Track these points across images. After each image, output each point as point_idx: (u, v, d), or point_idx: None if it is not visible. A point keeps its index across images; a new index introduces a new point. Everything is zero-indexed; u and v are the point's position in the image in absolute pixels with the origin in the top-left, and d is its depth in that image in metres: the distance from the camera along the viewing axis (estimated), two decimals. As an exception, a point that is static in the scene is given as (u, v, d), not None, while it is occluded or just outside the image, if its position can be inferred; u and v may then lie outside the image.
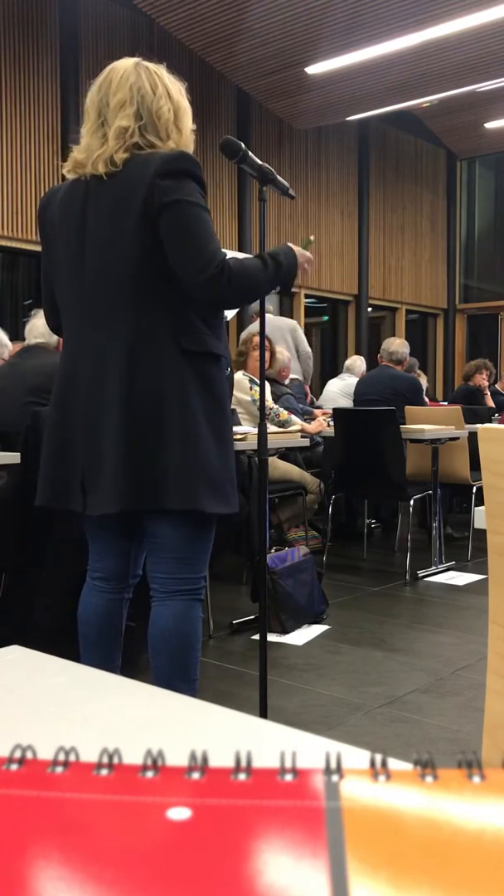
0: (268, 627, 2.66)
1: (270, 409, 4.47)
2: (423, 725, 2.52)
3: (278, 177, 2.20)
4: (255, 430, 2.41)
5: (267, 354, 4.59)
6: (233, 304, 1.94)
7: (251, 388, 4.36)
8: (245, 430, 3.53)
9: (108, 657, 2.02)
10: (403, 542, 5.20)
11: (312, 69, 8.28)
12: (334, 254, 10.27)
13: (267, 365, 4.71)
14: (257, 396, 4.26)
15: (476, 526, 1.17)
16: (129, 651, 2.14)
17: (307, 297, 10.13)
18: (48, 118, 7.23)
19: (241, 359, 4.53)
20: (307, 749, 0.42)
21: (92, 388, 1.85)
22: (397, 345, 5.36)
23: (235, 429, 2.10)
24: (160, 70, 1.91)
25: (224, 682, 2.89)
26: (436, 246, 12.06)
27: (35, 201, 7.08)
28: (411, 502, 4.82)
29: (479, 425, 1.18)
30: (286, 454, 4.71)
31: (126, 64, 1.89)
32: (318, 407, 6.35)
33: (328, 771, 0.33)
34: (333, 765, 0.34)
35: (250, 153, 2.16)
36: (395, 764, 0.35)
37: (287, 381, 5.27)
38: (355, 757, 0.40)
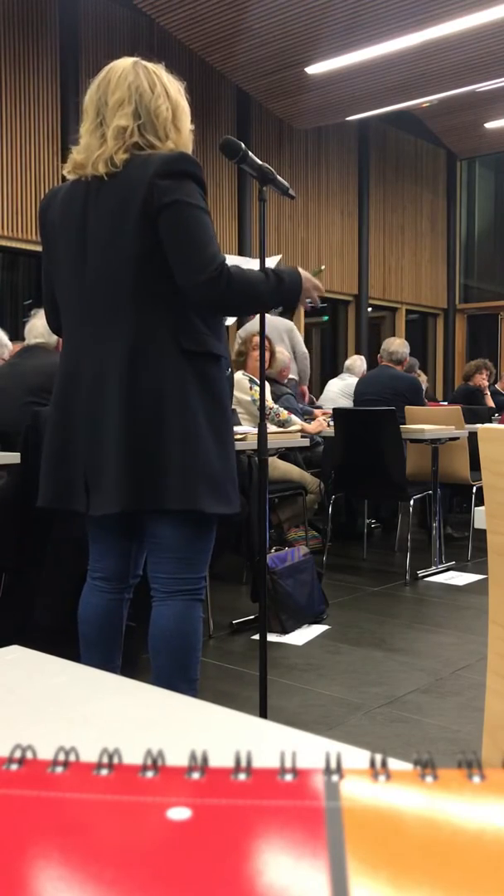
0: (268, 627, 2.66)
1: (270, 408, 4.47)
2: (423, 725, 2.52)
3: (278, 177, 2.20)
4: (255, 430, 2.41)
5: (267, 354, 4.59)
6: (230, 310, 1.91)
7: (251, 388, 4.36)
8: (245, 430, 3.53)
9: (109, 657, 2.02)
10: (403, 542, 5.20)
11: (312, 69, 8.28)
12: (334, 254, 10.27)
13: (267, 365, 4.71)
14: (257, 396, 4.26)
15: (476, 526, 1.17)
16: (129, 651, 2.14)
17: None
18: (48, 118, 7.23)
19: (240, 359, 4.53)
20: (307, 749, 0.42)
21: (92, 388, 1.85)
22: (397, 345, 5.36)
23: (235, 429, 2.10)
24: (159, 69, 1.91)
25: (224, 682, 2.89)
26: (436, 246, 12.06)
27: (35, 201, 7.08)
28: (411, 502, 4.82)
29: (479, 425, 1.18)
30: (286, 454, 4.71)
31: (125, 63, 1.89)
32: (318, 407, 6.35)
33: (328, 771, 0.33)
34: (333, 765, 0.34)
35: (250, 153, 2.16)
36: (395, 764, 0.35)
37: (285, 382, 5.27)
38: (355, 757, 0.40)
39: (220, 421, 1.88)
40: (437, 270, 12.11)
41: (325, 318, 10.75)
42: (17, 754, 0.35)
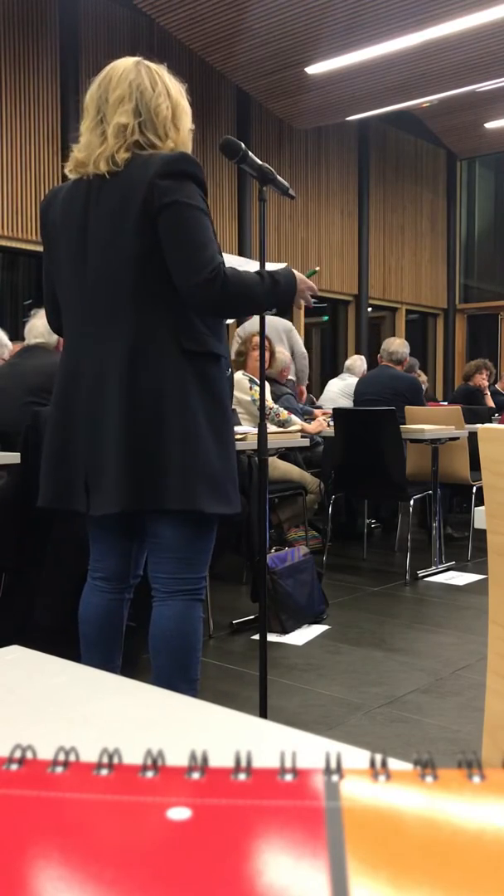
0: (268, 627, 2.66)
1: (270, 408, 4.47)
2: (423, 725, 2.52)
3: (278, 177, 2.20)
4: (255, 430, 2.41)
5: (267, 354, 4.59)
6: (225, 311, 1.91)
7: (251, 388, 4.36)
8: (245, 430, 3.53)
9: (109, 657, 2.02)
10: (403, 542, 5.20)
11: (312, 69, 8.28)
12: (334, 254, 10.27)
13: (267, 365, 4.71)
14: (257, 396, 4.26)
15: (476, 526, 1.17)
16: (129, 651, 2.14)
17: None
18: (48, 118, 7.23)
19: (240, 359, 4.53)
20: (307, 749, 0.42)
21: (93, 387, 1.85)
22: (397, 345, 5.36)
23: (235, 429, 2.10)
24: (161, 69, 1.91)
25: (224, 682, 2.89)
26: (436, 246, 12.06)
27: (35, 201, 7.08)
28: (411, 502, 4.82)
29: (479, 425, 1.18)
30: (286, 454, 4.71)
31: (126, 62, 1.89)
32: (318, 407, 6.35)
33: (328, 771, 0.33)
34: (333, 765, 0.34)
35: (250, 153, 2.16)
36: (395, 764, 0.35)
37: (285, 382, 5.27)
38: (355, 757, 0.40)
39: (221, 421, 1.88)
40: (437, 270, 12.11)
41: (325, 318, 10.75)
42: (17, 754, 0.35)
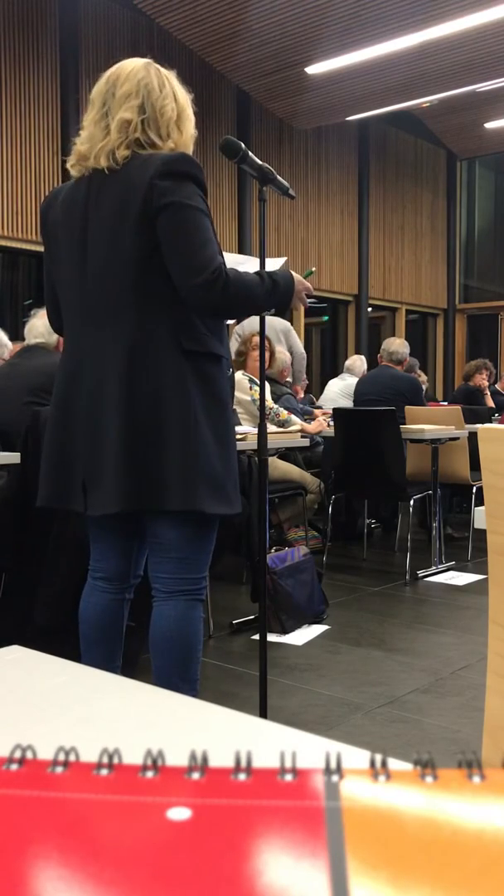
0: (268, 627, 2.66)
1: (270, 408, 4.47)
2: (423, 725, 2.52)
3: (278, 177, 2.20)
4: (255, 430, 2.41)
5: (267, 354, 4.59)
6: (225, 313, 1.91)
7: (251, 388, 4.36)
8: (245, 430, 3.53)
9: (109, 657, 2.02)
10: (403, 542, 5.20)
11: (312, 69, 8.28)
12: (334, 254, 10.27)
13: (267, 365, 4.72)
14: (257, 396, 4.26)
15: (476, 526, 1.17)
16: (129, 651, 2.14)
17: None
18: (48, 118, 7.23)
19: (240, 359, 4.53)
20: (307, 749, 0.42)
21: (93, 387, 1.85)
22: (397, 345, 5.36)
23: (236, 429, 2.10)
24: (170, 75, 1.93)
25: (224, 682, 2.89)
26: (436, 246, 12.06)
27: (35, 201, 7.08)
28: (411, 502, 4.82)
29: (479, 425, 1.18)
30: (286, 454, 4.71)
31: (136, 61, 1.91)
32: (318, 407, 6.35)
33: (328, 771, 0.33)
34: (333, 765, 0.34)
35: (250, 153, 2.16)
36: (395, 764, 0.35)
37: (285, 381, 5.26)
38: (355, 757, 0.40)
39: (221, 421, 1.88)
40: (437, 270, 12.11)
41: (326, 318, 10.75)
42: (17, 754, 0.35)
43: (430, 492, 4.63)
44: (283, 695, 2.76)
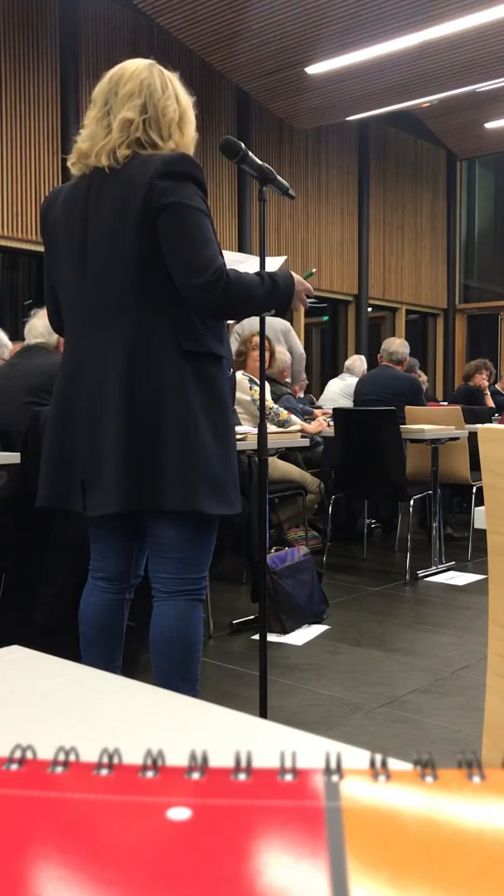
0: (268, 627, 2.66)
1: (270, 408, 4.47)
2: (423, 725, 2.52)
3: (278, 177, 2.20)
4: (255, 430, 2.41)
5: (267, 354, 4.59)
6: (226, 313, 1.90)
7: (251, 388, 4.36)
8: (245, 430, 3.53)
9: (109, 657, 2.02)
10: (403, 542, 5.20)
11: (312, 69, 8.28)
12: (334, 254, 10.27)
13: (267, 365, 4.72)
14: (257, 396, 4.26)
15: (476, 526, 1.17)
16: (129, 651, 2.14)
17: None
18: (48, 118, 7.23)
19: (240, 359, 4.53)
20: (307, 749, 0.42)
21: (93, 387, 1.85)
22: (397, 345, 5.36)
23: (236, 429, 2.10)
24: (173, 77, 1.93)
25: (224, 682, 2.89)
26: (436, 246, 12.06)
27: (35, 201, 7.08)
28: (411, 502, 4.82)
29: (479, 425, 1.18)
30: (286, 454, 4.71)
31: (140, 62, 1.91)
32: (318, 407, 6.35)
33: (328, 771, 0.33)
34: (333, 765, 0.34)
35: (250, 153, 2.16)
36: (395, 764, 0.35)
37: (285, 381, 5.26)
38: (355, 757, 0.40)
39: (221, 421, 1.88)
40: (437, 270, 12.11)
41: (325, 318, 10.75)
42: (17, 754, 0.35)
43: (430, 492, 4.63)
44: (283, 695, 2.76)
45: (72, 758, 0.35)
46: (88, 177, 1.87)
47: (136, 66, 1.89)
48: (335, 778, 0.33)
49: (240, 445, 3.14)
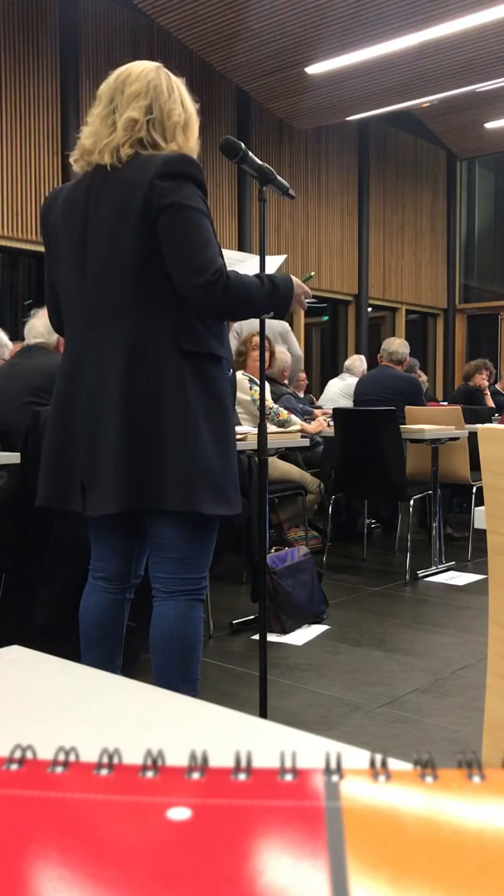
0: (268, 627, 2.66)
1: (270, 408, 4.47)
2: (423, 725, 2.52)
3: (278, 177, 2.20)
4: (255, 430, 2.41)
5: (267, 354, 4.59)
6: (226, 314, 1.90)
7: (251, 388, 4.36)
8: (245, 430, 3.53)
9: (109, 657, 2.02)
10: (403, 542, 5.20)
11: (312, 69, 8.28)
12: (334, 254, 10.27)
13: (267, 365, 4.72)
14: (257, 396, 4.26)
15: (476, 526, 1.17)
16: (129, 651, 2.14)
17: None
18: (48, 118, 7.23)
19: (240, 359, 4.53)
20: (307, 749, 0.42)
21: (93, 387, 1.85)
22: (397, 345, 5.36)
23: (236, 429, 2.10)
24: (180, 83, 1.94)
25: (224, 682, 2.89)
26: (436, 246, 12.06)
27: (35, 201, 7.08)
28: (411, 502, 4.82)
29: (479, 425, 1.18)
30: (286, 454, 4.71)
31: (148, 63, 1.92)
32: (318, 407, 6.35)
33: (328, 771, 0.33)
34: (333, 765, 0.34)
35: (250, 153, 2.16)
36: (395, 764, 0.35)
37: (285, 382, 5.26)
38: (355, 757, 0.40)
39: (221, 421, 1.88)
40: (437, 270, 12.11)
41: (325, 318, 10.75)
42: (17, 754, 0.35)
43: (430, 492, 4.63)
44: (283, 695, 2.76)
45: (72, 758, 0.35)
46: (89, 176, 1.87)
47: (143, 67, 1.90)
48: (335, 778, 0.33)
49: (240, 445, 3.14)
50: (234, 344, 4.72)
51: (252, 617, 3.56)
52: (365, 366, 6.85)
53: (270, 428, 4.10)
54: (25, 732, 0.46)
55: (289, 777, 0.33)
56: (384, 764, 0.33)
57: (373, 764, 0.33)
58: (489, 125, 10.71)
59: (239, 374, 4.40)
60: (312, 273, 2.48)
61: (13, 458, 2.71)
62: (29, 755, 0.35)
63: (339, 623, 3.63)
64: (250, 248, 8.86)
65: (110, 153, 1.82)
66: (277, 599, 3.39)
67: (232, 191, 8.87)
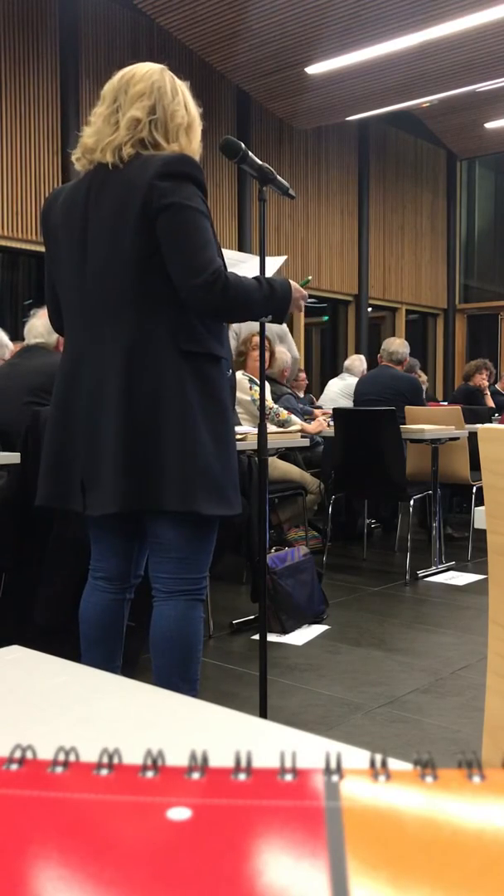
0: (268, 627, 2.66)
1: (270, 408, 4.47)
2: (423, 725, 2.52)
3: (278, 177, 2.20)
4: (255, 430, 2.41)
5: (267, 354, 4.59)
6: (225, 315, 1.90)
7: (251, 388, 4.36)
8: (245, 430, 3.53)
9: (109, 657, 2.02)
10: (403, 542, 5.20)
11: (312, 69, 8.28)
12: (334, 254, 10.27)
13: (267, 365, 4.72)
14: (257, 396, 4.25)
15: (476, 526, 1.17)
16: (129, 651, 2.14)
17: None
18: (48, 118, 7.23)
19: (240, 359, 4.53)
20: (307, 749, 0.42)
21: (92, 387, 1.85)
22: (397, 345, 5.36)
23: (236, 429, 2.10)
24: (184, 86, 1.95)
25: (224, 682, 2.89)
26: (436, 246, 12.06)
27: (35, 201, 7.08)
28: (411, 502, 4.82)
29: (479, 425, 1.18)
30: (286, 454, 4.71)
31: (153, 65, 1.93)
32: (318, 407, 6.35)
33: (328, 771, 0.33)
34: (333, 765, 0.34)
35: (250, 153, 2.16)
36: (395, 764, 0.35)
37: (285, 382, 5.26)
38: (355, 757, 0.40)
39: (220, 422, 1.88)
40: (437, 270, 12.11)
41: (325, 318, 10.75)
42: (17, 754, 0.35)
43: (430, 492, 4.63)
44: (283, 695, 2.76)
45: (72, 758, 0.35)
46: (89, 176, 1.88)
47: (148, 69, 1.91)
48: (335, 778, 0.33)
49: (240, 445, 3.14)
50: (232, 345, 4.71)
51: (252, 617, 3.56)
52: (365, 366, 6.85)
53: (270, 428, 4.10)
54: (25, 732, 0.46)
55: (289, 777, 0.33)
56: (384, 764, 0.33)
57: (373, 764, 0.33)
58: (489, 125, 10.71)
59: (239, 374, 4.40)
60: (311, 277, 2.48)
61: (13, 458, 2.71)
62: (29, 755, 0.35)
63: (339, 623, 3.63)
64: (250, 248, 8.86)
65: (112, 152, 1.82)
66: (277, 599, 3.39)
67: (232, 191, 8.87)
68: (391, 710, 2.64)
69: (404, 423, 4.75)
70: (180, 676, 1.89)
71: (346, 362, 6.99)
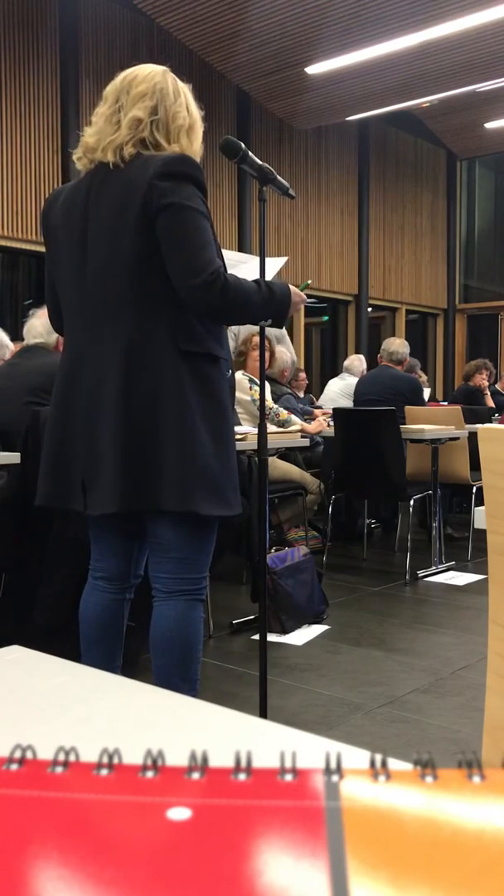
0: (268, 627, 2.66)
1: (270, 408, 4.47)
2: (423, 725, 2.52)
3: (278, 177, 2.20)
4: (255, 430, 2.41)
5: (267, 354, 4.59)
6: (224, 316, 1.89)
7: (251, 388, 4.36)
8: (245, 430, 3.53)
9: (109, 657, 2.02)
10: (403, 542, 5.20)
11: (312, 69, 8.28)
12: (334, 254, 10.27)
13: (267, 365, 4.71)
14: (257, 396, 4.25)
15: (476, 526, 1.17)
16: (129, 651, 2.14)
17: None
18: (48, 118, 7.23)
19: (240, 359, 4.53)
20: (307, 749, 0.42)
21: (92, 387, 1.85)
22: (397, 345, 5.36)
23: (235, 429, 2.10)
24: (186, 89, 1.95)
25: (224, 682, 2.89)
26: (436, 246, 12.06)
27: (35, 201, 7.08)
28: (411, 502, 4.82)
29: (479, 425, 1.18)
30: (286, 454, 4.71)
31: (155, 66, 1.94)
32: (318, 407, 6.35)
33: (328, 771, 0.33)
34: (333, 765, 0.34)
35: (250, 153, 2.16)
36: (395, 764, 0.35)
37: (285, 382, 5.26)
38: (355, 757, 0.40)
39: (219, 422, 1.88)
40: (437, 270, 12.11)
41: (325, 318, 10.75)
42: (17, 754, 0.35)
43: (430, 492, 4.63)
44: (283, 695, 2.76)
45: (72, 758, 0.35)
46: (90, 176, 1.88)
47: (150, 70, 1.91)
48: (335, 778, 0.33)
49: (240, 445, 3.14)
50: (231, 345, 4.71)
51: (252, 617, 3.56)
52: (364, 366, 6.85)
53: (270, 428, 4.10)
54: (25, 732, 0.46)
55: (289, 777, 0.33)
56: (384, 764, 0.33)
57: (373, 764, 0.33)
58: (489, 125, 10.71)
59: (239, 374, 4.40)
60: (310, 281, 2.48)
61: (13, 458, 2.71)
62: (29, 755, 0.35)
63: (339, 623, 3.63)
64: (250, 248, 8.86)
65: (113, 151, 1.83)
66: (277, 599, 3.39)
67: (232, 191, 8.87)
68: (391, 710, 2.64)
69: (404, 423, 4.75)
70: (180, 676, 1.89)
71: (346, 362, 6.99)
